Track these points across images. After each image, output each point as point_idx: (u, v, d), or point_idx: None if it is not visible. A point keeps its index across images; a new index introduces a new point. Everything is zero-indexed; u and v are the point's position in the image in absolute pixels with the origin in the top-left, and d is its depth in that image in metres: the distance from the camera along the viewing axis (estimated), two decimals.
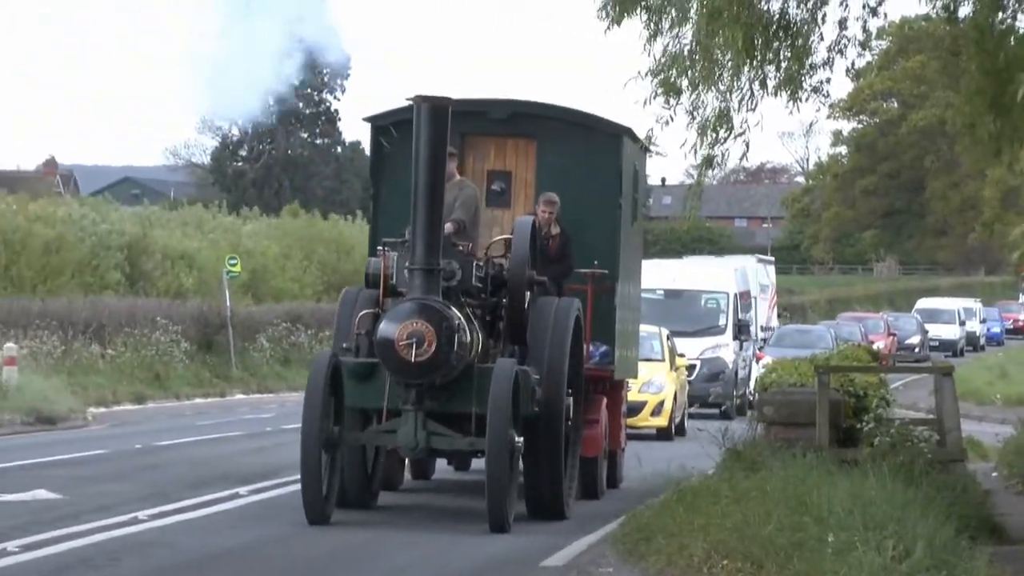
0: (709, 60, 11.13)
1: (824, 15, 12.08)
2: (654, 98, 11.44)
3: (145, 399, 29.54)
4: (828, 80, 12.73)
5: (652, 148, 15.74)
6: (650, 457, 16.65)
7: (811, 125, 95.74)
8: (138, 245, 40.31)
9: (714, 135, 11.35)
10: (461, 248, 12.80)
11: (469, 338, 12.26)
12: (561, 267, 14.29)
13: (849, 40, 12.44)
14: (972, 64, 12.11)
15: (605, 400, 15.11)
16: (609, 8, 11.73)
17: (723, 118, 11.29)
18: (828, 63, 12.49)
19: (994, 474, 16.98)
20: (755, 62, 11.16)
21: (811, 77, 12.35)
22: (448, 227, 12.93)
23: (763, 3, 11.23)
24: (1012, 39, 11.48)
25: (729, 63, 11.11)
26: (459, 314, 12.23)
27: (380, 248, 12.98)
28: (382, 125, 14.83)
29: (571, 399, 13.37)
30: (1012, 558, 10.41)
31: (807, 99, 12.41)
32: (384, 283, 12.60)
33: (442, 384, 12.23)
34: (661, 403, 22.92)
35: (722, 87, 11.17)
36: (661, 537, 10.33)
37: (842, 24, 12.31)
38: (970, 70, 12.30)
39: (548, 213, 14.17)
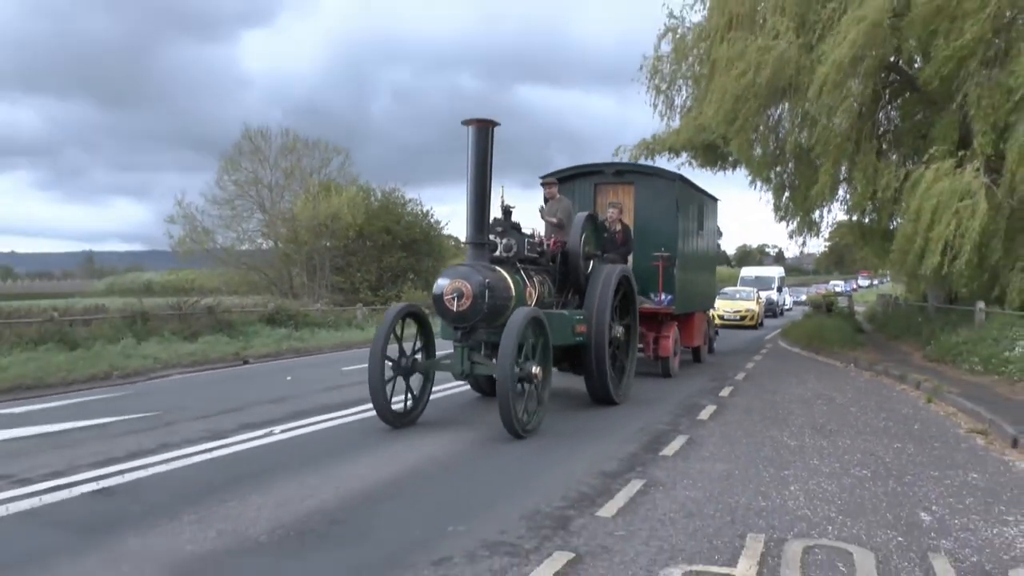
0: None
1: None
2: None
3: None
4: None
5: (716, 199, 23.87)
6: (750, 335, 36.81)
7: None
8: None
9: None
10: (525, 231, 15.46)
11: (513, 292, 14.15)
12: (624, 249, 18.75)
13: None
14: None
15: (676, 324, 21.06)
16: None
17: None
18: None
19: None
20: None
21: None
22: (554, 220, 16.86)
23: None
24: None
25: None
26: (508, 276, 14.22)
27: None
28: (548, 181, 17.75)
29: (625, 328, 17.19)
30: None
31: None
32: None
33: (500, 324, 14.08)
34: (754, 316, 43.81)
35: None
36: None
37: None
38: None
39: (613, 213, 18.94)
